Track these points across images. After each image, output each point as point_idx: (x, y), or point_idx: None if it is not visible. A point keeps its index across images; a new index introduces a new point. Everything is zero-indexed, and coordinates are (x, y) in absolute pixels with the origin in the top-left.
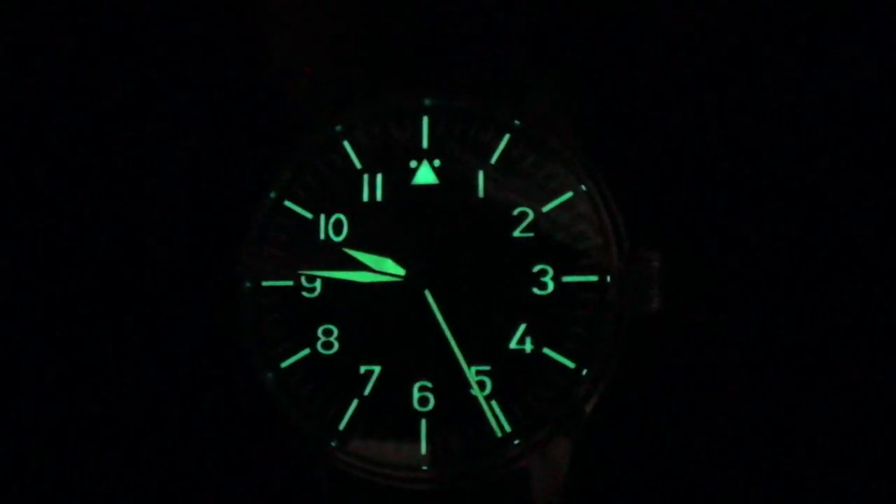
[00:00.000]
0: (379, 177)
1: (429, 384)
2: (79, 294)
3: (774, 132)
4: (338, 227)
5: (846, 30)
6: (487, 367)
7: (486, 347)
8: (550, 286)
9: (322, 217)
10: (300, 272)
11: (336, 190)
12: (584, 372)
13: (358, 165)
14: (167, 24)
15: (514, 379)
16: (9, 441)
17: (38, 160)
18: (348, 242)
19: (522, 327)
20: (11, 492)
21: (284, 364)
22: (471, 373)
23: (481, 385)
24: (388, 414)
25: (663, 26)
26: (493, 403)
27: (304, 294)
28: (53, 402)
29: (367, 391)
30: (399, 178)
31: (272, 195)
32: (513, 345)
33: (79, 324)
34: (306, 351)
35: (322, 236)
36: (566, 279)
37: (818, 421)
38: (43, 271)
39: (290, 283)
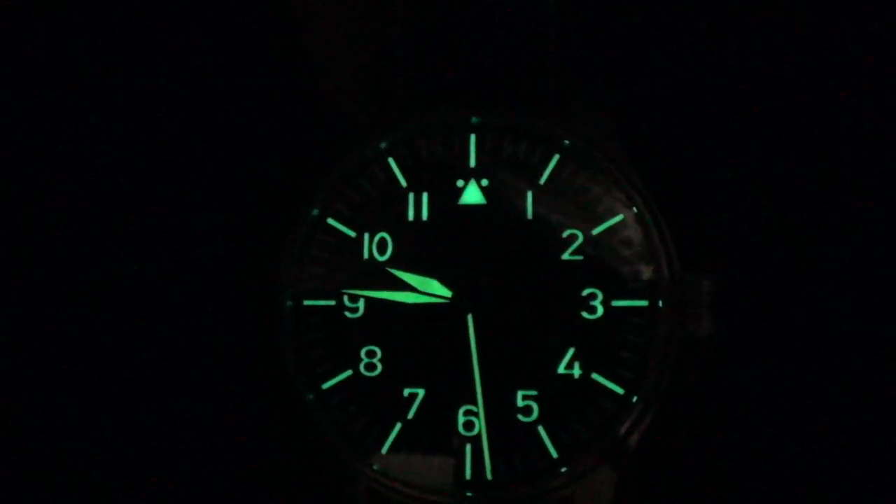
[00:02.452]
0: (425, 196)
1: (474, 409)
2: (119, 313)
3: (829, 156)
4: (382, 247)
5: None
6: (534, 392)
7: (533, 372)
8: (600, 310)
9: (366, 236)
10: (343, 291)
11: (380, 208)
12: (635, 398)
13: (403, 183)
14: (211, 42)
15: (561, 404)
16: (59, 457)
17: (79, 177)
18: (393, 262)
19: (571, 352)
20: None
21: (326, 385)
22: (480, 405)
23: (528, 410)
24: (433, 438)
25: (717, 48)
26: (540, 429)
27: (347, 314)
28: (94, 419)
29: (410, 414)
30: (445, 197)
31: (314, 212)
32: (561, 369)
33: (120, 343)
34: (348, 372)
35: (366, 255)
36: (616, 303)
37: (878, 451)
38: (83, 292)
39: (332, 302)
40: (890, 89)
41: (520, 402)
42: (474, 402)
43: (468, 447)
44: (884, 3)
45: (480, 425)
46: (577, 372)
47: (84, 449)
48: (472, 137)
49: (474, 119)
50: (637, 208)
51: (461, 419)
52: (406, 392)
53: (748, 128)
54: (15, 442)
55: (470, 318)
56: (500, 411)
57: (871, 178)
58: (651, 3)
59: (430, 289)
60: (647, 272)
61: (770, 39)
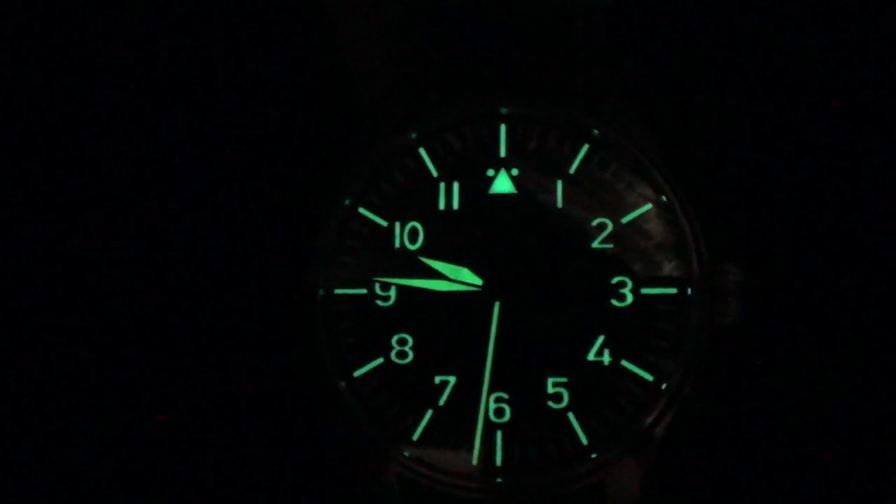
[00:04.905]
0: (455, 185)
1: (505, 395)
2: (154, 302)
3: (860, 146)
4: (413, 236)
5: None
6: (564, 379)
7: (563, 359)
8: (629, 298)
9: (397, 225)
10: (375, 280)
11: (412, 198)
12: (664, 386)
13: (434, 173)
14: (243, 35)
15: (591, 391)
16: (92, 447)
17: (114, 166)
18: (424, 251)
19: (601, 339)
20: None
21: (358, 373)
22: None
23: (558, 397)
24: (463, 425)
25: (748, 38)
26: (570, 416)
27: (379, 302)
28: (128, 408)
29: (442, 401)
30: (476, 186)
31: (347, 202)
32: (591, 357)
33: (153, 331)
34: (380, 360)
35: (397, 244)
36: (645, 291)
37: None
38: (116, 281)
39: (363, 291)
40: None
41: (550, 389)
42: (505, 389)
43: (499, 434)
44: None
45: (482, 408)
46: (607, 359)
47: (121, 435)
48: (503, 127)
49: (504, 109)
50: (666, 197)
51: (492, 406)
52: (437, 380)
53: (777, 117)
54: (52, 423)
55: (497, 305)
56: (530, 398)
57: None
58: None
59: (461, 277)
60: (676, 260)
61: (801, 31)
